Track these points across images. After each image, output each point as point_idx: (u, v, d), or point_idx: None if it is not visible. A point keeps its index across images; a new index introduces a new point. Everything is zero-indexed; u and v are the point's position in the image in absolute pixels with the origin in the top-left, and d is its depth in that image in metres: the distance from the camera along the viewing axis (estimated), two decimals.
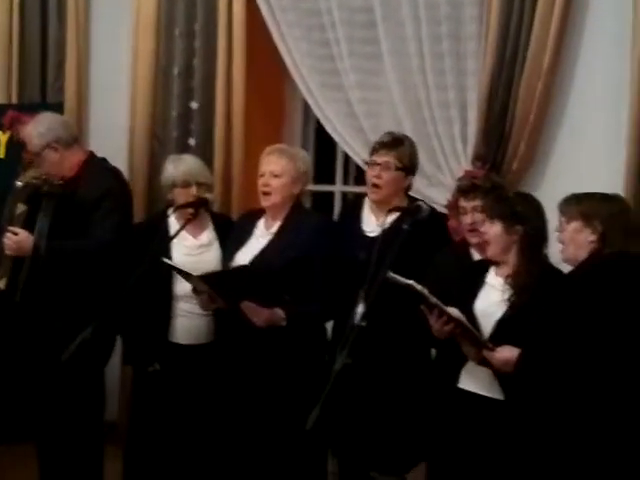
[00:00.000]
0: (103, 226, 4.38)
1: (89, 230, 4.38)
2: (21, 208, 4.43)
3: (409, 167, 4.21)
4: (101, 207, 4.39)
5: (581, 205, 3.58)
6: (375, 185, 4.18)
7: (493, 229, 3.71)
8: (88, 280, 4.39)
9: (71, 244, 4.38)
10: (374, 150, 4.26)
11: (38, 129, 4.56)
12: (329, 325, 4.35)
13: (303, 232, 4.22)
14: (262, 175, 4.27)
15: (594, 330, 3.38)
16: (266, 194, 4.25)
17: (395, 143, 4.21)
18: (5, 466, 4.89)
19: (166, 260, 4.22)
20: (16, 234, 4.36)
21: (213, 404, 4.32)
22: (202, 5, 5.28)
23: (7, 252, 4.38)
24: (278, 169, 4.25)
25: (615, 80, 4.42)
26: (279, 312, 4.14)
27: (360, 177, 4.35)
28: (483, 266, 3.84)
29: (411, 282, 3.57)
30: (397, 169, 4.16)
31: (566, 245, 3.61)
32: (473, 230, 3.99)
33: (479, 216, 3.92)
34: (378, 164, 4.18)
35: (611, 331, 3.38)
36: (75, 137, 4.63)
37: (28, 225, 4.39)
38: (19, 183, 4.49)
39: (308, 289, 4.15)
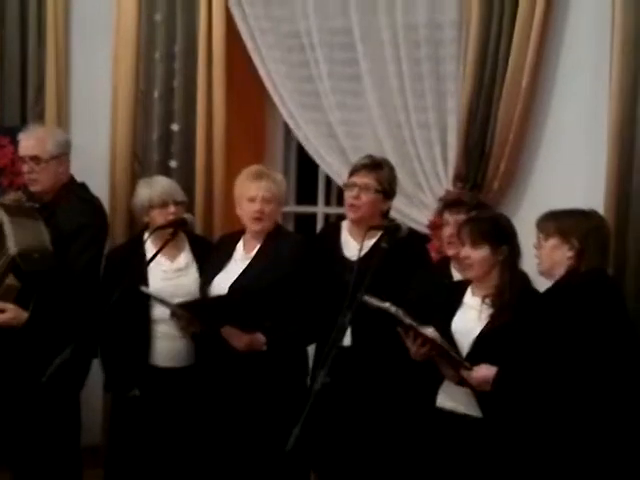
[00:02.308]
0: (79, 259, 4.31)
1: (64, 261, 4.27)
2: (12, 280, 4.13)
3: (387, 191, 4.19)
4: (78, 240, 4.32)
5: (559, 222, 3.60)
6: (353, 206, 4.18)
7: (478, 253, 3.68)
8: (64, 307, 4.25)
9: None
10: (354, 171, 4.25)
11: (57, 137, 4.53)
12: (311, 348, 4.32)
13: (281, 254, 4.20)
14: (252, 200, 4.22)
15: (572, 347, 3.40)
16: (259, 219, 4.22)
17: (375, 166, 4.20)
18: None
19: (143, 289, 4.20)
20: (3, 310, 4.16)
21: (193, 427, 4.29)
22: (182, 27, 5.25)
23: None
24: (269, 195, 4.22)
25: (593, 98, 4.44)
26: (260, 337, 4.11)
27: (342, 198, 4.34)
28: (461, 286, 3.83)
29: (386, 305, 3.55)
30: (376, 191, 4.15)
31: (543, 261, 3.62)
32: (452, 242, 4.00)
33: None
34: (357, 185, 4.18)
35: (588, 349, 3.40)
36: None
37: (20, 299, 4.17)
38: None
39: (288, 312, 4.13)
